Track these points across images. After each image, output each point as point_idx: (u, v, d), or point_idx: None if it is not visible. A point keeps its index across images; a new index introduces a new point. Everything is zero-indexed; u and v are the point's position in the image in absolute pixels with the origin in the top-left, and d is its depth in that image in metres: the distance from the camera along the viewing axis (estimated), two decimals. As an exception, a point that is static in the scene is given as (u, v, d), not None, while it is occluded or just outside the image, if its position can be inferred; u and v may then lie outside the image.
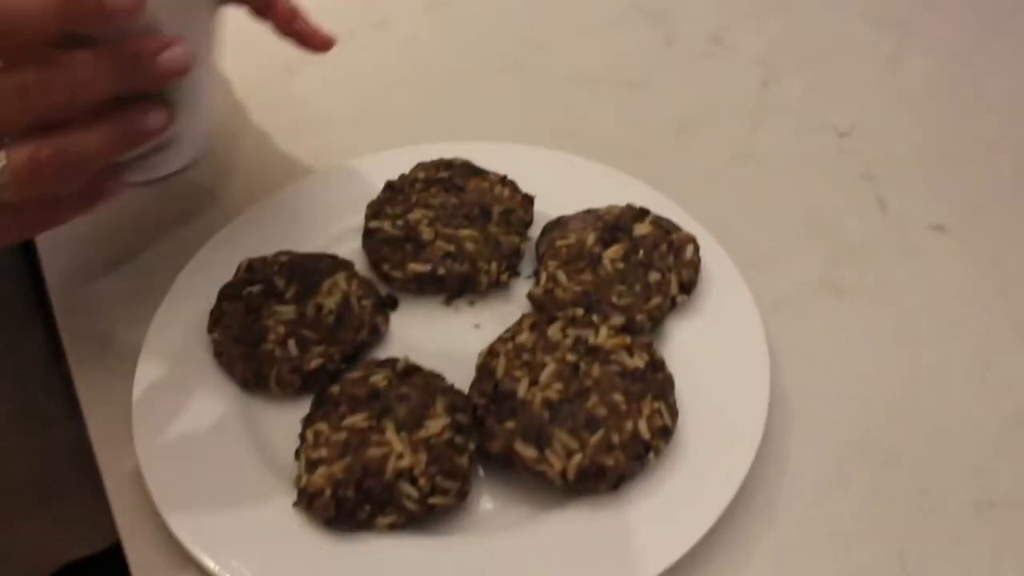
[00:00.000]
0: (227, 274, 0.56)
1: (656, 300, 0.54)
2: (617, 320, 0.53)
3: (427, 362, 0.51)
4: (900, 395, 0.54)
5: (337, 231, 0.61)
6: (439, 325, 0.57)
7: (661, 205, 0.59)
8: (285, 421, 0.51)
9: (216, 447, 0.50)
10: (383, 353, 0.55)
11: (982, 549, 0.48)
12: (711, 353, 0.53)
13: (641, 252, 0.55)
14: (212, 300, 0.55)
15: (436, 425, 0.47)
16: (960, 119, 0.73)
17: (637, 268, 0.55)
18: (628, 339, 0.51)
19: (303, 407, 0.52)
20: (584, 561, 0.45)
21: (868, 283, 0.60)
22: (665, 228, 0.57)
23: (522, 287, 0.59)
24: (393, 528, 0.46)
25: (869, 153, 0.69)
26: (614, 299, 0.54)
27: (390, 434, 0.47)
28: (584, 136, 0.71)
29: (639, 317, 0.53)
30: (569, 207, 0.60)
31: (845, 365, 0.56)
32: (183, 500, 0.47)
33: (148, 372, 0.53)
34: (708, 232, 0.58)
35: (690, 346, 0.54)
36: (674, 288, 0.55)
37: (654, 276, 0.54)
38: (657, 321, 0.54)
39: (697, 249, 0.56)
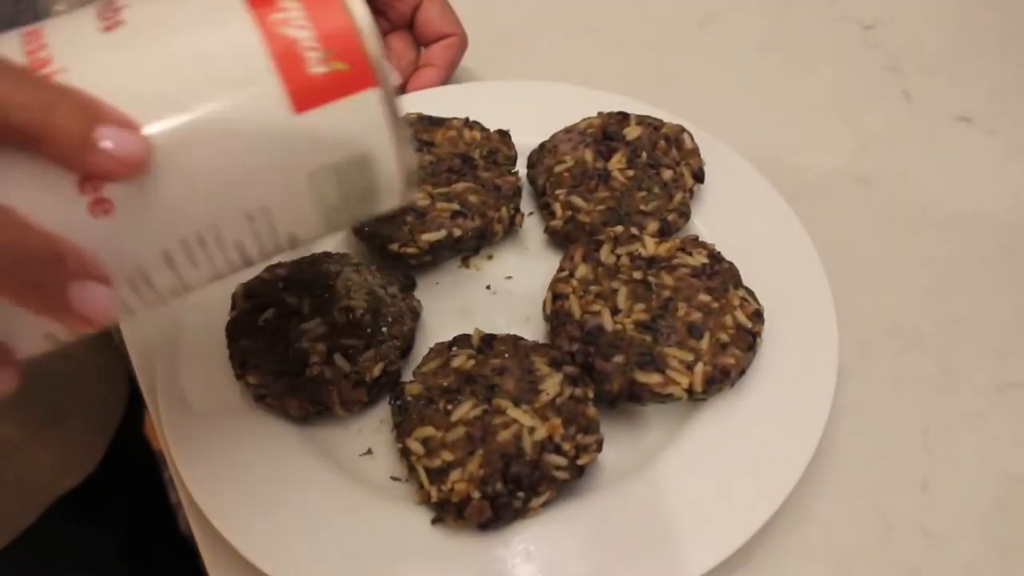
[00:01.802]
0: (219, 312, 0.48)
1: (679, 196, 0.52)
2: (652, 226, 0.51)
3: (479, 328, 0.47)
4: (925, 280, 0.55)
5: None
6: (468, 289, 0.52)
7: (636, 109, 0.57)
8: (355, 443, 0.46)
9: (301, 496, 0.43)
10: (423, 338, 0.50)
11: (1004, 428, 0.49)
12: (750, 238, 0.53)
13: (643, 154, 0.53)
14: (217, 344, 0.47)
15: (552, 385, 0.43)
16: (986, 11, 0.71)
17: (647, 170, 0.53)
18: (677, 240, 0.50)
19: (368, 422, 0.47)
20: (740, 456, 0.44)
21: (893, 173, 0.60)
22: (653, 125, 0.55)
23: (530, 226, 0.55)
24: (545, 507, 0.42)
25: (894, 45, 0.69)
26: (642, 206, 0.52)
27: (512, 411, 0.42)
28: (607, 30, 0.68)
29: (671, 217, 0.52)
30: (542, 132, 0.57)
31: (870, 251, 0.56)
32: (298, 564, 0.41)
33: (189, 454, 0.44)
34: (694, 124, 0.57)
35: (727, 234, 0.53)
36: (689, 180, 0.53)
37: (667, 173, 0.53)
38: (687, 216, 0.52)
39: (692, 136, 0.55)
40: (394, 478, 0.45)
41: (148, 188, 0.27)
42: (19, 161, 0.26)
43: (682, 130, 0.55)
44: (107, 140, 0.25)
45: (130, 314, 0.30)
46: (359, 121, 0.29)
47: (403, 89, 0.61)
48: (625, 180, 0.52)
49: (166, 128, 0.27)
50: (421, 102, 0.58)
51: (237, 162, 0.28)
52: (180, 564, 0.75)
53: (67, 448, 0.60)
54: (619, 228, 0.50)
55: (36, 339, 0.29)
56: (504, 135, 0.55)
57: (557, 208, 0.52)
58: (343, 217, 0.31)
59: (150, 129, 0.26)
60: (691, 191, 0.53)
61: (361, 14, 0.28)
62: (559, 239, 0.53)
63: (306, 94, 0.28)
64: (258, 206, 0.29)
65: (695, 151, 0.54)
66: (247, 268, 0.31)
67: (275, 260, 0.49)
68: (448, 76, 0.62)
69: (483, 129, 0.56)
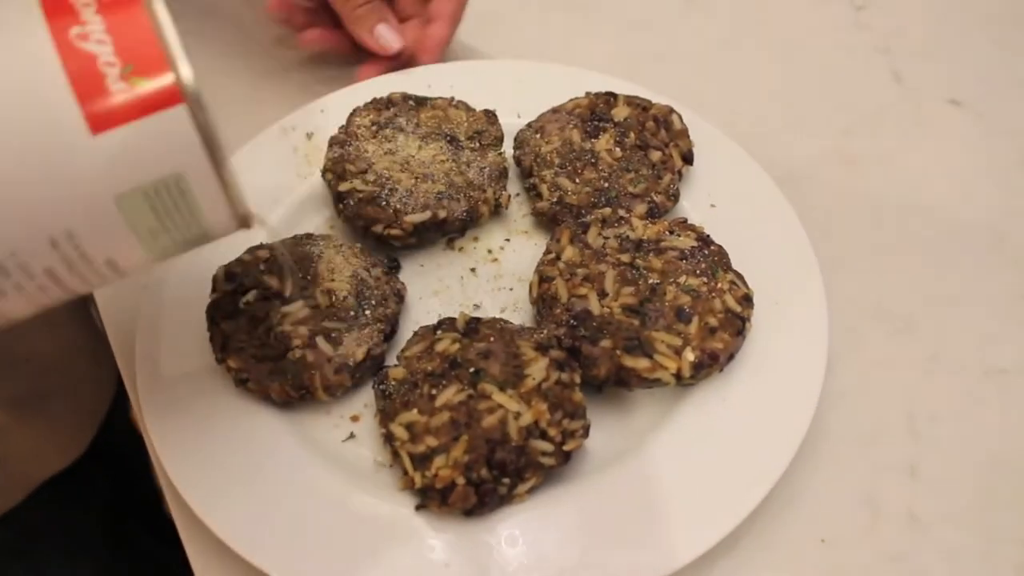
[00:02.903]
0: (199, 295, 0.47)
1: (668, 177, 0.52)
2: (640, 208, 0.50)
3: (465, 311, 0.47)
4: (914, 263, 0.54)
5: (284, 210, 0.53)
6: (453, 271, 0.51)
7: (624, 89, 0.56)
8: (338, 428, 0.45)
9: (283, 482, 0.43)
10: (407, 321, 0.49)
11: (990, 413, 0.48)
12: (739, 220, 0.52)
13: (632, 134, 0.53)
14: (198, 327, 0.46)
15: (538, 370, 0.42)
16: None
17: (635, 151, 0.52)
18: (666, 223, 0.49)
19: (352, 406, 0.46)
20: (728, 442, 0.44)
21: (882, 154, 0.60)
22: (641, 105, 0.54)
23: (517, 207, 0.54)
24: (531, 493, 0.42)
25: (885, 27, 0.68)
26: (630, 188, 0.51)
27: (497, 396, 0.42)
28: (594, 9, 0.67)
29: (659, 199, 0.51)
30: (529, 112, 0.56)
31: (859, 234, 0.55)
32: (276, 549, 0.40)
33: (165, 434, 0.44)
34: (683, 105, 0.56)
35: (716, 217, 0.52)
36: (677, 161, 0.53)
37: (655, 155, 0.52)
38: (675, 198, 0.52)
39: (681, 117, 0.54)
40: (379, 467, 0.44)
41: None
42: None
43: (671, 111, 0.54)
44: None
45: None
46: (166, 141, 0.27)
47: (416, 54, 0.60)
48: (613, 161, 0.52)
49: None
50: (405, 80, 0.57)
51: (32, 185, 0.26)
52: (165, 548, 0.74)
53: (54, 431, 0.59)
54: (607, 210, 0.49)
55: None
56: (490, 115, 0.54)
57: (544, 189, 0.51)
58: (168, 243, 0.30)
59: None
60: (680, 173, 0.53)
61: (166, 24, 0.27)
62: (546, 221, 0.52)
63: (105, 114, 0.26)
64: (62, 231, 0.27)
65: (684, 132, 0.53)
66: (74, 297, 0.30)
67: (256, 241, 0.49)
68: (454, 28, 0.61)
69: (469, 108, 0.55)
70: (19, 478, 0.58)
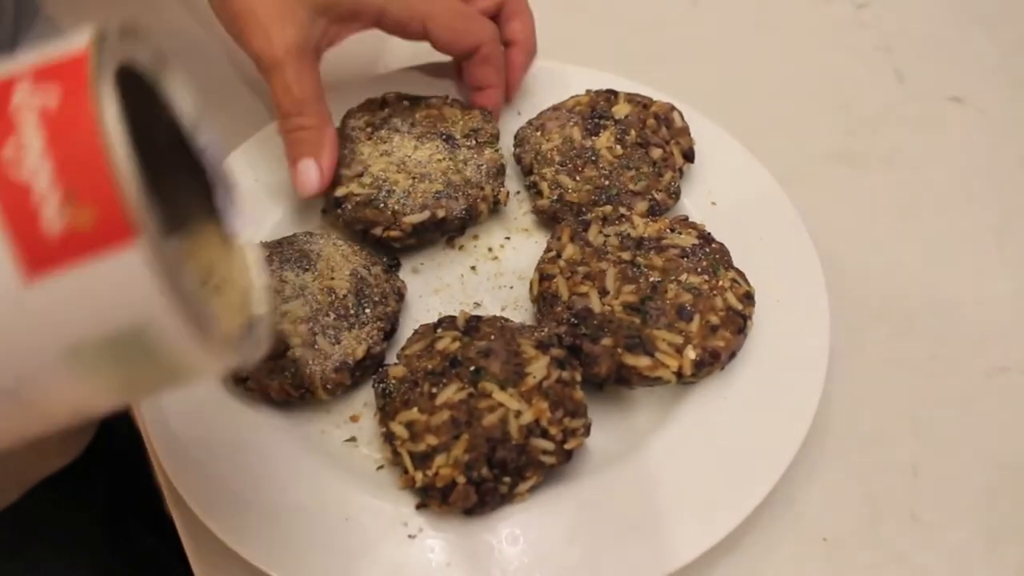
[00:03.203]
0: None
1: (669, 175, 0.51)
2: (641, 205, 0.50)
3: (465, 309, 0.46)
4: (915, 264, 0.54)
5: (284, 208, 0.53)
6: (453, 270, 0.51)
7: (626, 87, 0.56)
8: (338, 427, 0.45)
9: (283, 481, 0.42)
10: (407, 320, 0.49)
11: (994, 413, 0.48)
12: (740, 218, 0.52)
13: (632, 132, 0.52)
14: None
15: (539, 368, 0.42)
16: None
17: (636, 149, 0.52)
18: (667, 220, 0.49)
19: (352, 405, 0.46)
20: (730, 441, 0.43)
21: (884, 153, 0.59)
22: (642, 103, 0.54)
23: (517, 205, 0.54)
24: (532, 492, 0.42)
25: (886, 25, 0.68)
26: (631, 186, 0.51)
27: (498, 394, 0.41)
28: (596, 7, 0.67)
29: (659, 196, 0.51)
30: (529, 110, 0.55)
31: (859, 234, 0.55)
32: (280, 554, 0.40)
33: (164, 433, 0.43)
34: (685, 103, 0.55)
35: (718, 215, 0.52)
36: (678, 159, 0.52)
37: (656, 152, 0.52)
38: (676, 196, 0.52)
39: (682, 115, 0.54)
40: (379, 467, 0.44)
41: None
42: None
43: (672, 108, 0.54)
44: None
45: None
46: (116, 286, 0.22)
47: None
48: (613, 159, 0.51)
49: None
50: (403, 79, 0.57)
51: None
52: (164, 547, 0.74)
53: (56, 434, 0.59)
54: (607, 208, 0.49)
55: None
56: (485, 112, 0.54)
57: (544, 187, 0.51)
58: (145, 387, 0.26)
59: None
60: (681, 170, 0.52)
61: (117, 136, 0.22)
62: (547, 219, 0.52)
63: (41, 257, 0.21)
64: (11, 383, 0.23)
65: (685, 130, 0.53)
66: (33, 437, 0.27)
67: (256, 240, 0.48)
68: (533, 53, 0.56)
69: (464, 106, 0.54)
70: (18, 477, 0.58)
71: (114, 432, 0.67)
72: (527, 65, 0.55)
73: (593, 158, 0.51)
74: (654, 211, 0.51)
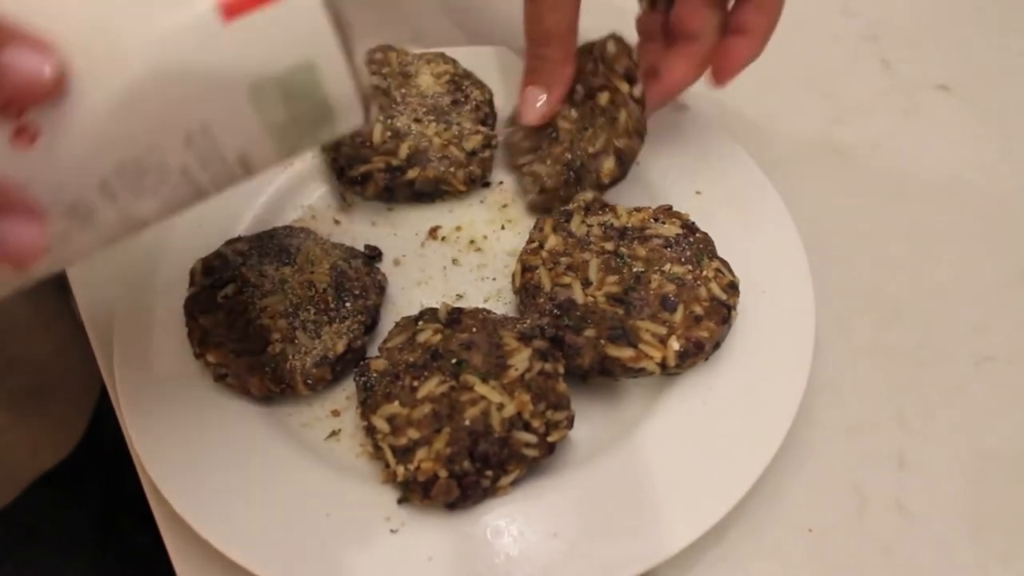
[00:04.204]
0: (176, 290, 0.46)
1: (622, 114, 0.48)
2: (608, 164, 0.49)
3: (446, 301, 0.46)
4: (902, 253, 0.53)
5: (264, 202, 0.53)
6: (434, 261, 0.51)
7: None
8: (319, 422, 0.44)
9: (263, 476, 0.42)
10: (389, 313, 0.48)
11: (979, 402, 0.48)
12: (725, 208, 0.51)
13: (579, 87, 0.50)
14: (176, 322, 0.45)
15: (521, 360, 0.42)
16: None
17: (585, 103, 0.50)
18: (651, 209, 0.48)
19: (332, 400, 0.45)
20: (715, 432, 0.43)
21: (870, 143, 0.59)
22: (586, 49, 0.50)
23: (500, 196, 0.53)
24: (515, 485, 0.41)
25: (873, 14, 0.67)
26: (589, 148, 0.49)
27: (479, 387, 0.41)
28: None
29: (621, 143, 0.48)
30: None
31: (847, 222, 0.54)
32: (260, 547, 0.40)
33: (144, 429, 0.43)
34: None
35: (702, 205, 0.52)
36: (623, 87, 0.48)
37: (603, 97, 0.49)
38: (641, 135, 0.49)
39: (618, 40, 0.49)
40: (360, 456, 0.43)
41: (72, 111, 0.25)
42: None
43: (607, 38, 0.50)
44: (17, 61, 0.23)
45: (79, 255, 0.28)
46: (298, 27, 0.26)
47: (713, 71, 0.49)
48: (570, 126, 0.50)
49: (86, 45, 0.25)
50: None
51: (168, 78, 0.26)
52: (155, 544, 0.74)
53: (49, 429, 0.59)
54: (589, 196, 0.49)
55: None
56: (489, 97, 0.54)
57: (527, 183, 0.51)
58: (297, 137, 0.29)
59: (69, 47, 0.24)
60: (635, 99, 0.48)
61: None
62: (540, 211, 0.51)
63: (236, 1, 0.25)
64: (198, 126, 0.27)
65: (621, 52, 0.49)
66: (202, 200, 0.29)
67: (235, 234, 0.48)
68: (763, 47, 0.48)
69: (478, 83, 0.55)
70: (16, 476, 0.57)
71: (105, 430, 0.66)
72: (750, 59, 0.48)
73: (554, 134, 0.50)
74: (623, 161, 0.49)
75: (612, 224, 0.47)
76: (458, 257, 0.51)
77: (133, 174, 0.27)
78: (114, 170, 0.27)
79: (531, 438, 0.40)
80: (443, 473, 0.39)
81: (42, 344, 0.58)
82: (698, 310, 0.44)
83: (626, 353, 0.43)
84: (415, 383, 0.42)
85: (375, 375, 0.43)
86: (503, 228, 0.52)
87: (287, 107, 0.27)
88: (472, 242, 0.51)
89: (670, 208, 0.49)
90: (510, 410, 0.40)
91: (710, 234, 0.48)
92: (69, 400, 0.61)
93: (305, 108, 0.28)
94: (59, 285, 0.53)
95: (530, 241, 0.48)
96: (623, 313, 0.44)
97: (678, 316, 0.44)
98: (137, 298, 0.47)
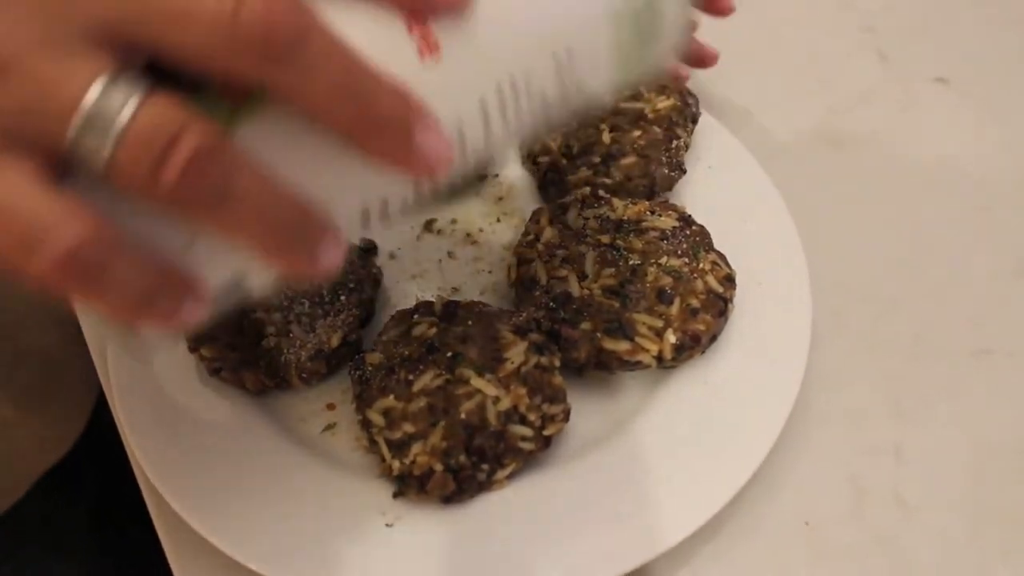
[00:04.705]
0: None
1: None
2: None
3: (442, 294, 0.46)
4: (899, 245, 0.53)
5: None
6: (430, 254, 0.51)
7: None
8: (315, 415, 0.44)
9: (258, 471, 0.42)
10: (385, 306, 0.48)
11: (976, 394, 0.48)
12: (722, 200, 0.51)
13: None
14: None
15: (517, 354, 0.42)
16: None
17: None
18: (647, 203, 0.48)
19: (327, 394, 0.45)
20: (711, 425, 0.43)
21: (867, 134, 0.59)
22: None
23: (495, 189, 0.53)
24: (511, 478, 0.41)
25: (869, 6, 0.67)
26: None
27: (475, 381, 0.41)
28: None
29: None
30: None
31: (844, 214, 0.54)
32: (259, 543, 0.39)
33: (138, 424, 0.43)
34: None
35: (698, 197, 0.51)
36: None
37: None
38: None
39: None
40: (356, 450, 0.43)
41: (471, 28, 0.25)
42: (349, 3, 0.25)
43: None
44: None
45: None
46: None
47: None
48: None
49: None
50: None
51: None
52: (151, 540, 0.73)
53: (53, 424, 0.59)
54: (586, 190, 0.49)
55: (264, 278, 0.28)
56: None
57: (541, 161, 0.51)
58: (630, 68, 0.29)
59: None
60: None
61: None
62: (549, 195, 0.51)
63: None
64: (564, 47, 0.27)
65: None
66: (531, 130, 0.29)
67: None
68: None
69: None
70: (21, 473, 0.57)
71: (103, 428, 0.66)
72: None
73: None
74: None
75: (608, 217, 0.47)
76: (454, 250, 0.50)
77: (507, 93, 0.27)
78: (494, 89, 0.27)
79: (527, 432, 0.40)
80: (439, 467, 0.39)
81: (51, 338, 0.57)
82: (694, 303, 0.44)
83: (622, 346, 0.43)
84: (411, 377, 0.41)
85: (370, 369, 0.43)
86: (499, 221, 0.52)
87: (632, 37, 0.28)
88: (468, 235, 0.51)
89: (666, 200, 0.49)
90: (506, 404, 0.40)
91: (706, 227, 0.47)
92: (72, 396, 0.61)
93: (646, 41, 0.28)
94: None
95: (526, 234, 0.47)
96: (619, 306, 0.44)
97: (674, 309, 0.44)
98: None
